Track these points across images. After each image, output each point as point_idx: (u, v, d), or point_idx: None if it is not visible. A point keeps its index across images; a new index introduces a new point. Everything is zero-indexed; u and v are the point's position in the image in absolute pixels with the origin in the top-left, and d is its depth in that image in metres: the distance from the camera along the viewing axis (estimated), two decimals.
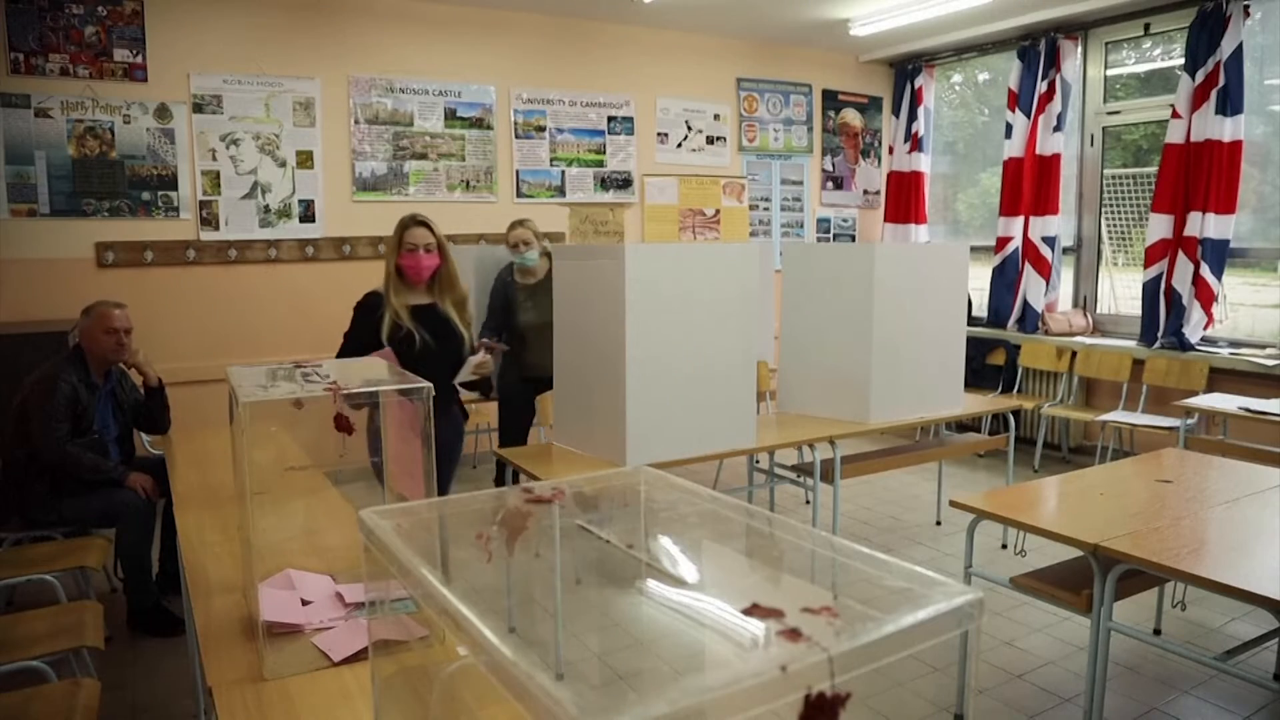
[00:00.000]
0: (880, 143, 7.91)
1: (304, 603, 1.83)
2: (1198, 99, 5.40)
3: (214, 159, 5.26)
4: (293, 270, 5.51)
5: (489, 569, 0.91)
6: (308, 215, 5.54)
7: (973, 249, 5.68)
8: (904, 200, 7.58)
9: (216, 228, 5.29)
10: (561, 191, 6.43)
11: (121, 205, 5.04)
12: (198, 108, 5.20)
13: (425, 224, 3.11)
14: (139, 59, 5.02)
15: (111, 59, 4.95)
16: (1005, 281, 6.67)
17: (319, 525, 2.33)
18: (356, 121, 5.67)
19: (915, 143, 7.46)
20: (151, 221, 5.13)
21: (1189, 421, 4.99)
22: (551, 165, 6.39)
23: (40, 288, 4.84)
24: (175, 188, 5.16)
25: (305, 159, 5.51)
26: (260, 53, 5.34)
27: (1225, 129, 5.30)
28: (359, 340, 3.12)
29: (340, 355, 3.12)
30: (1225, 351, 5.41)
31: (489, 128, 6.11)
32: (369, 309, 3.14)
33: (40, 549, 3.36)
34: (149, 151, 5.09)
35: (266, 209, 5.42)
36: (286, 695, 1.53)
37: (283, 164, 5.45)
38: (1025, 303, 6.54)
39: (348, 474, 2.28)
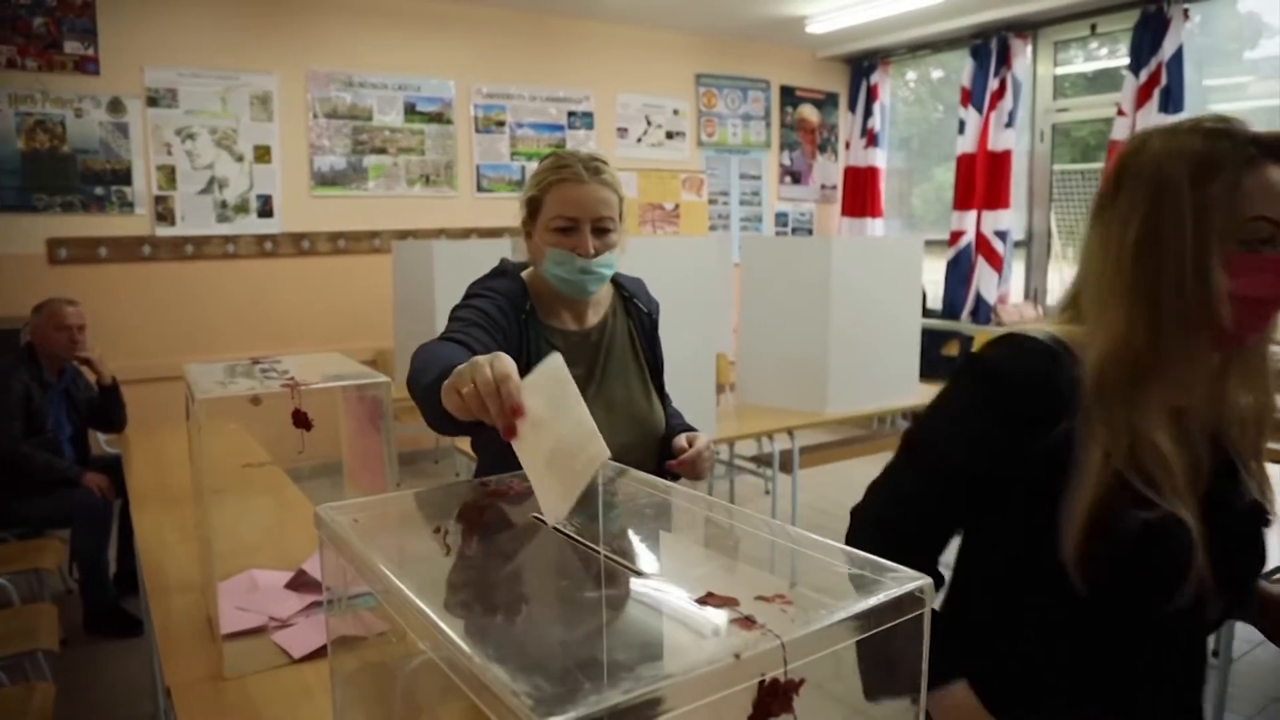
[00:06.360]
0: (837, 138, 7.98)
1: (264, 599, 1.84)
2: (1141, 97, 5.53)
3: (169, 153, 5.18)
4: (251, 266, 5.43)
5: (446, 563, 0.92)
6: (265, 210, 5.47)
7: (927, 242, 5.75)
8: (860, 195, 7.67)
9: (172, 223, 5.21)
10: (521, 186, 6.41)
11: (74, 200, 4.94)
12: (152, 101, 5.11)
13: None
14: (90, 51, 4.92)
15: (62, 51, 4.85)
16: (958, 274, 6.78)
17: (278, 522, 2.32)
18: (315, 116, 5.61)
19: (871, 138, 7.54)
20: (105, 217, 5.04)
21: None
22: (512, 160, 6.37)
23: None
24: (129, 182, 5.07)
25: (263, 154, 5.45)
26: (216, 46, 5.26)
27: None
28: None
29: None
30: None
31: (449, 122, 6.08)
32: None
33: None
34: (102, 146, 4.99)
35: (224, 204, 5.35)
36: (246, 694, 1.53)
37: (240, 159, 5.38)
38: (978, 295, 6.66)
39: (307, 470, 2.27)
